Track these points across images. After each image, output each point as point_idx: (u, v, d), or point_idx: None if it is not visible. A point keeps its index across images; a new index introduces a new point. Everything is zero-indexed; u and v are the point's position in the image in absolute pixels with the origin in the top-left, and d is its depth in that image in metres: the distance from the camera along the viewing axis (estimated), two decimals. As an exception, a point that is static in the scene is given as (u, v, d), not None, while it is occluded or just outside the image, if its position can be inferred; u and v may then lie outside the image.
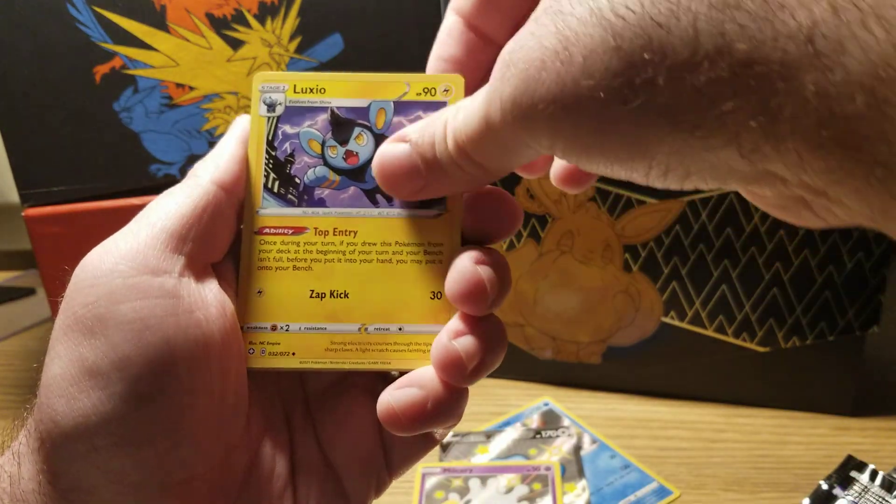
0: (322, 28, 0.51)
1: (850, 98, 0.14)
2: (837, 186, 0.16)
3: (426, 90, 0.26)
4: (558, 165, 0.28)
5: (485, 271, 0.23)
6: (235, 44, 0.50)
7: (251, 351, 0.25)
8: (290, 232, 0.26)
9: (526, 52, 0.18)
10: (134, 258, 0.22)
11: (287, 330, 0.25)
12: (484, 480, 0.50)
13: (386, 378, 0.27)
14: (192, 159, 0.52)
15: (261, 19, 0.50)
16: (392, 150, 0.24)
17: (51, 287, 0.52)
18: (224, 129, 0.51)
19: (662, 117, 0.16)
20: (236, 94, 0.51)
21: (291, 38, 0.51)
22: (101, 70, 0.49)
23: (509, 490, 0.48)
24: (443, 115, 0.23)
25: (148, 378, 0.21)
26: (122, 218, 0.56)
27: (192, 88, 0.50)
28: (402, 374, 0.25)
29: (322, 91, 0.26)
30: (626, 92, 0.16)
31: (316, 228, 0.26)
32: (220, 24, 0.50)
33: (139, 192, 0.51)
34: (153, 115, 0.50)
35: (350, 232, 0.26)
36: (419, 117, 0.26)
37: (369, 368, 0.25)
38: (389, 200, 0.26)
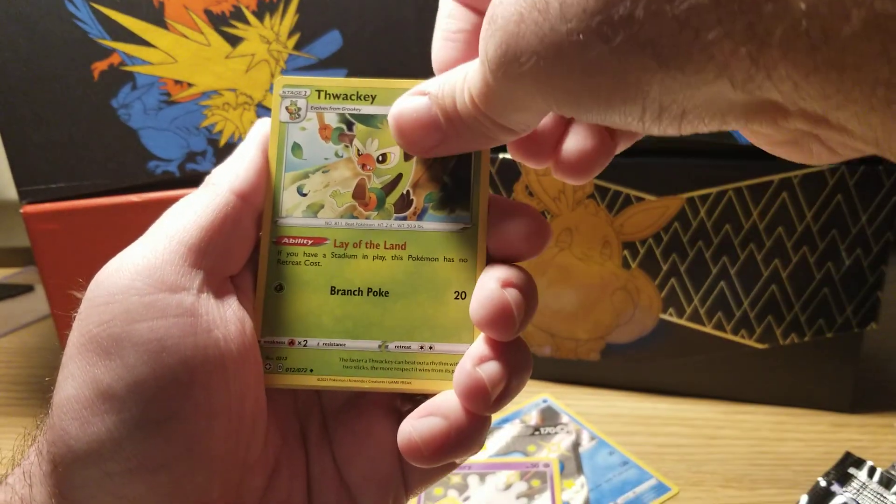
0: (321, 24, 0.51)
1: (844, 16, 0.13)
2: (838, 112, 0.15)
3: None
4: (564, 151, 0.26)
5: (511, 295, 0.22)
6: (234, 40, 0.50)
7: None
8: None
9: (505, 8, 0.18)
10: (151, 274, 0.22)
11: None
12: (483, 477, 0.50)
13: (405, 394, 0.27)
14: (191, 156, 0.52)
15: (259, 16, 0.50)
16: (410, 103, 0.23)
17: (49, 284, 0.52)
18: (222, 126, 0.51)
19: (647, 52, 0.16)
20: (235, 90, 0.51)
21: (290, 34, 0.51)
22: (100, 67, 0.49)
23: (508, 487, 0.49)
24: (462, 68, 0.22)
25: (164, 401, 0.21)
26: (120, 215, 0.56)
27: (190, 85, 0.50)
28: (422, 394, 0.24)
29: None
30: (605, 30, 0.16)
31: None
32: (218, 21, 0.49)
33: (137, 189, 0.51)
34: (151, 112, 0.50)
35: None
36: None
37: (389, 389, 0.24)
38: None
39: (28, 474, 0.22)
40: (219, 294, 0.23)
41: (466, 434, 0.23)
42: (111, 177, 0.51)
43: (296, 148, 0.25)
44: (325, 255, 0.25)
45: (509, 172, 0.54)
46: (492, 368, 0.22)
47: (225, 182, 0.24)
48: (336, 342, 0.24)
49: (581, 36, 0.16)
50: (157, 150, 0.51)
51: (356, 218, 0.25)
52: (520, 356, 0.23)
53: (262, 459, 0.24)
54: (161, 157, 0.51)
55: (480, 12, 0.24)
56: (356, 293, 0.25)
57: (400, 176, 0.25)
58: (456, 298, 0.25)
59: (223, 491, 0.22)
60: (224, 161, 0.25)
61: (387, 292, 0.25)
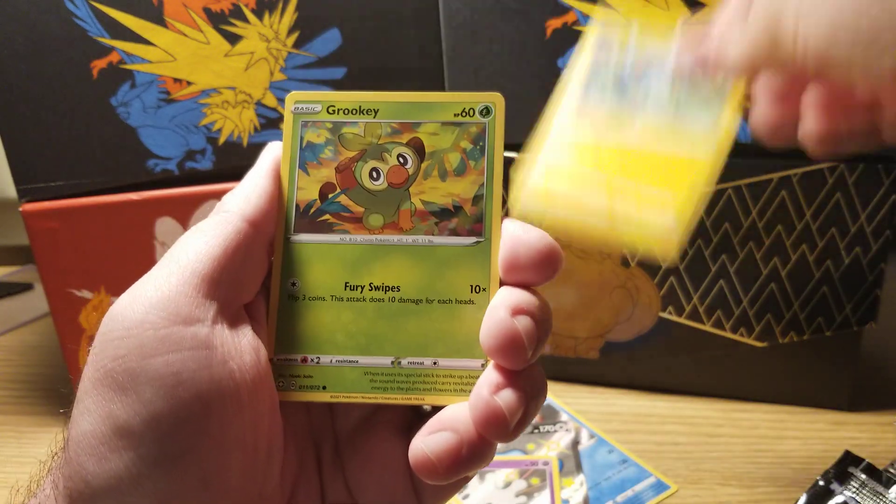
0: (320, 23, 0.51)
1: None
2: None
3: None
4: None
5: (522, 323, 0.22)
6: (233, 38, 0.50)
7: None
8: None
9: None
10: (165, 307, 0.21)
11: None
12: (482, 475, 0.50)
13: (417, 413, 0.26)
14: (190, 154, 0.52)
15: (258, 14, 0.50)
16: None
17: (49, 282, 0.52)
18: (221, 124, 0.51)
19: None
20: (234, 88, 0.51)
21: (289, 32, 0.50)
22: (98, 65, 0.49)
23: (507, 485, 0.49)
24: None
25: (180, 436, 0.21)
26: (119, 213, 0.56)
27: (189, 83, 0.50)
28: (434, 409, 0.24)
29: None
30: None
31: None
32: (217, 19, 0.49)
33: (137, 188, 0.51)
34: (150, 110, 0.50)
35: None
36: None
37: (402, 403, 0.24)
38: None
39: None
40: (233, 324, 0.23)
41: (479, 448, 0.22)
42: (110, 175, 0.51)
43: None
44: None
45: (507, 171, 0.54)
46: (509, 396, 0.22)
47: (236, 209, 0.24)
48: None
49: None
50: (156, 149, 0.51)
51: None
52: (536, 382, 0.23)
53: (279, 489, 0.24)
54: (160, 155, 0.51)
55: None
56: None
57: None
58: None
59: None
60: (235, 187, 0.25)
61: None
